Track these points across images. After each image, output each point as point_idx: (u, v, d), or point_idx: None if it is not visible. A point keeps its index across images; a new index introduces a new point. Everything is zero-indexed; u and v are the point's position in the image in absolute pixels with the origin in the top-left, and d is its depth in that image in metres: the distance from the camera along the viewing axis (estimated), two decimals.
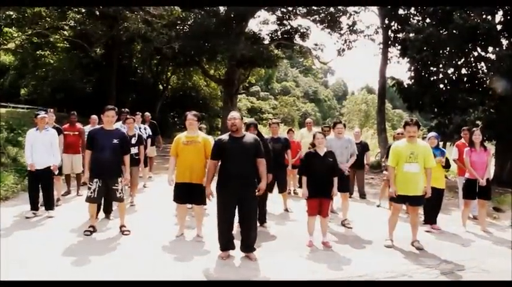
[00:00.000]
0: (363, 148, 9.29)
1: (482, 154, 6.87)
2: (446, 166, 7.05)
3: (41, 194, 6.77)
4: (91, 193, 5.41)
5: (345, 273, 4.75)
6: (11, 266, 4.48)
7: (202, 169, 5.47)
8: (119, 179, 5.63)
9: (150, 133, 9.56)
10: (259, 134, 5.94)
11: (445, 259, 5.34)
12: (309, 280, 4.47)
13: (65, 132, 7.99)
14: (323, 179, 5.55)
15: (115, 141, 5.45)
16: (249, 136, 5.03)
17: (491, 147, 7.42)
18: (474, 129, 7.13)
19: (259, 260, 5.01)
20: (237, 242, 5.06)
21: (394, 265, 5.05)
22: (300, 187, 7.19)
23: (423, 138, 9.03)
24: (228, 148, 4.82)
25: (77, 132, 8.25)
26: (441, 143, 7.31)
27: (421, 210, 6.29)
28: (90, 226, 5.54)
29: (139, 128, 8.93)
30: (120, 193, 5.65)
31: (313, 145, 5.73)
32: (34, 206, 6.54)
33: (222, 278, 4.42)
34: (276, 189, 7.30)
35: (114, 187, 5.56)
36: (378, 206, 8.65)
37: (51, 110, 7.81)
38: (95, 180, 5.37)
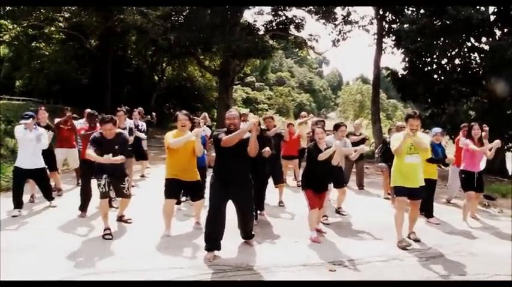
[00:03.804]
0: (362, 139, 9.43)
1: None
2: (445, 164, 7.07)
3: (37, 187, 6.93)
4: (102, 188, 5.44)
5: (338, 257, 4.95)
6: (11, 256, 4.67)
7: (195, 167, 5.56)
8: (126, 179, 5.77)
9: (145, 129, 9.62)
10: (261, 134, 6.02)
11: (435, 244, 5.57)
12: (304, 269, 4.66)
13: (60, 126, 7.99)
14: (322, 174, 5.53)
15: (116, 147, 5.44)
16: (248, 135, 4.82)
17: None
18: (473, 124, 6.99)
19: (257, 246, 5.22)
20: (236, 230, 5.23)
21: (385, 250, 5.27)
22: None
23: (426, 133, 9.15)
24: (223, 147, 4.65)
25: (70, 127, 8.19)
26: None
27: None
28: (106, 228, 5.44)
29: (138, 125, 9.04)
30: (126, 191, 5.81)
31: (311, 139, 5.79)
32: (18, 205, 6.41)
33: (222, 263, 4.61)
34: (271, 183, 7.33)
35: (121, 185, 5.71)
36: (387, 198, 8.49)
37: (43, 108, 7.76)
38: (104, 176, 5.43)
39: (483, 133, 6.93)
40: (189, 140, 5.36)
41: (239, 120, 4.87)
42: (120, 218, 6.13)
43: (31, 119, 6.36)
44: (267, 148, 5.70)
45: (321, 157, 5.37)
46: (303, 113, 10.78)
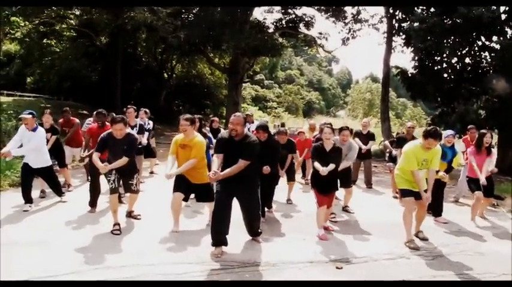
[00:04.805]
0: (370, 137, 9.47)
1: (484, 157, 6.74)
2: (448, 170, 6.97)
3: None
4: (111, 183, 5.54)
5: (345, 254, 4.97)
6: (21, 250, 4.75)
7: (201, 170, 5.51)
8: (135, 175, 5.86)
9: (151, 127, 9.67)
10: (269, 138, 6.10)
11: (442, 243, 5.57)
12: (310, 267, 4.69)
13: (63, 128, 8.14)
14: (327, 176, 5.42)
15: (125, 147, 5.51)
16: (249, 139, 4.84)
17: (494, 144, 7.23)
18: (485, 131, 6.88)
19: (264, 243, 5.26)
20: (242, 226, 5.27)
21: (392, 248, 5.27)
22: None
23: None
24: (225, 149, 4.81)
25: (72, 128, 8.35)
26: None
27: None
28: (116, 224, 5.51)
29: (144, 123, 9.08)
30: (135, 187, 5.90)
31: (318, 139, 5.79)
32: (28, 200, 6.53)
33: (230, 259, 4.66)
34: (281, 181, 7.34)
35: (130, 182, 5.83)
36: (395, 197, 8.50)
37: (48, 111, 7.83)
38: (113, 172, 5.52)
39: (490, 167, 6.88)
40: (189, 146, 5.37)
41: (241, 127, 4.82)
42: (130, 214, 6.21)
43: (30, 115, 6.37)
44: (268, 168, 5.92)
45: (319, 169, 5.42)
46: (312, 123, 10.91)
